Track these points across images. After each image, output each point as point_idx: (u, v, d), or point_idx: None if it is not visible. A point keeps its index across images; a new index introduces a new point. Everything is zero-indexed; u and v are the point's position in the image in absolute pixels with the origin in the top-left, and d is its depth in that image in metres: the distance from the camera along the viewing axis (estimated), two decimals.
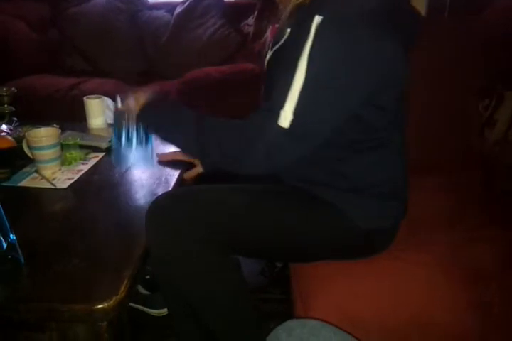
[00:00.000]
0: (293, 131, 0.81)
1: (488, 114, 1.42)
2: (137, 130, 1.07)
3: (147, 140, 1.11)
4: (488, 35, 1.47)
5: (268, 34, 2.43)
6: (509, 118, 1.35)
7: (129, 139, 1.09)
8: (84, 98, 1.49)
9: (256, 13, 2.61)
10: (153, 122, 1.02)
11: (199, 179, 1.29)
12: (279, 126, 0.81)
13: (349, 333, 0.70)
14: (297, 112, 0.80)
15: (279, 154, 0.85)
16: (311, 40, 0.78)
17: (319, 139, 0.86)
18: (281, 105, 0.81)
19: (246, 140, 0.85)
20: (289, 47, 0.89)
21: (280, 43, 0.93)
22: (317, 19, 0.77)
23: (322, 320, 0.71)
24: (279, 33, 0.96)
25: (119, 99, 1.06)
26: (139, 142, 1.10)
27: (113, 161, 1.16)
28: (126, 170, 1.19)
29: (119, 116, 1.07)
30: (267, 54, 1.00)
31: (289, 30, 0.91)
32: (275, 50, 0.96)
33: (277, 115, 0.81)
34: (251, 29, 2.62)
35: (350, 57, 0.79)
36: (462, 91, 1.50)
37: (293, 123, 0.80)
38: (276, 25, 2.33)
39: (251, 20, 2.64)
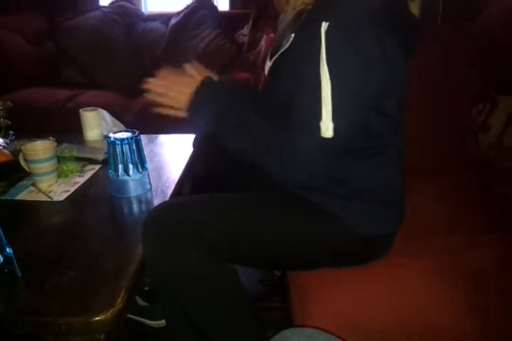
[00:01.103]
0: (336, 138, 0.81)
1: (482, 119, 1.43)
2: (132, 158, 1.07)
3: (143, 166, 1.11)
4: (483, 39, 1.48)
5: (263, 43, 2.45)
6: (503, 122, 1.36)
7: (125, 168, 1.08)
8: (80, 110, 1.49)
9: (250, 23, 2.62)
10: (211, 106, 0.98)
11: (196, 189, 1.29)
12: (323, 137, 0.81)
13: None
14: (335, 119, 0.80)
15: (318, 165, 0.86)
16: (325, 47, 0.79)
17: (350, 140, 0.87)
18: (317, 117, 0.81)
19: (287, 157, 0.85)
20: (295, 52, 0.90)
21: (284, 48, 0.94)
22: (324, 25, 0.79)
23: (321, 328, 0.71)
24: (280, 39, 0.96)
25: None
26: (136, 169, 1.09)
27: (111, 191, 1.13)
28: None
29: (113, 146, 1.06)
30: (266, 60, 1.01)
31: (293, 35, 0.92)
32: (278, 55, 0.96)
33: (317, 128, 0.81)
34: (246, 39, 2.64)
35: (360, 59, 0.80)
36: (458, 96, 1.50)
37: (335, 130, 0.80)
38: (271, 35, 2.34)
39: (245, 30, 2.66)
